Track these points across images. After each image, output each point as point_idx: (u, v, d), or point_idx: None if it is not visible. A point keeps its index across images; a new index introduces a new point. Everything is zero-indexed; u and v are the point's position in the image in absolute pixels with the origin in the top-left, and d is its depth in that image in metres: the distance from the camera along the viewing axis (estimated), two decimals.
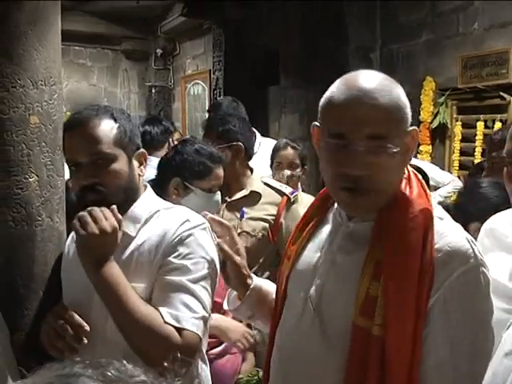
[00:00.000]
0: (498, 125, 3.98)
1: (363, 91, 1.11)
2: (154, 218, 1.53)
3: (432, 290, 1.08)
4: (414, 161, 4.27)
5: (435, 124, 4.55)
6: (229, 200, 2.44)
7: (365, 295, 1.12)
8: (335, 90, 1.16)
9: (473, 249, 1.10)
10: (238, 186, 2.46)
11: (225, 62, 6.12)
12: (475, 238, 1.31)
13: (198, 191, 2.06)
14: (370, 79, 1.14)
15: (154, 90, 8.24)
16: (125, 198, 1.51)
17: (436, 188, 4.22)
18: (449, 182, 4.19)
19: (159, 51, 8.03)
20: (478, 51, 4.18)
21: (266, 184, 2.48)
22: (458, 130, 4.41)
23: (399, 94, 1.15)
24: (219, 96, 6.16)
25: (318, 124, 1.21)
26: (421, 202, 1.17)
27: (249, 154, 2.54)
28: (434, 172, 4.26)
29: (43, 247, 1.69)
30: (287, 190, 2.49)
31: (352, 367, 1.12)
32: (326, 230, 1.29)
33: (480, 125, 4.17)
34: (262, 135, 3.73)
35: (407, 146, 1.16)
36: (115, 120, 1.52)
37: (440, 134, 4.62)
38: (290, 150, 3.08)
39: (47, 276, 1.71)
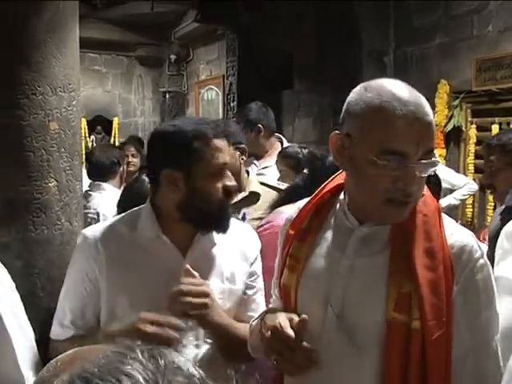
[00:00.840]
0: None
1: (418, 107, 1.12)
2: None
3: (454, 283, 1.17)
4: None
5: (449, 127, 4.54)
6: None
7: (397, 293, 1.16)
8: (384, 102, 1.13)
9: (476, 243, 1.21)
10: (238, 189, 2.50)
11: (238, 67, 6.14)
12: None
13: None
14: (414, 93, 1.15)
15: (167, 96, 8.30)
16: None
17: (451, 191, 4.20)
18: (464, 185, 4.17)
19: (173, 57, 8.09)
20: (492, 54, 4.16)
21: (262, 184, 2.50)
22: (472, 132, 4.39)
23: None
24: (233, 101, 6.18)
25: (349, 133, 1.18)
26: (432, 201, 1.25)
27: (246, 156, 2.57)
28: (448, 175, 4.24)
29: (62, 251, 1.72)
30: (284, 187, 2.52)
31: (391, 361, 1.16)
32: (330, 236, 1.29)
33: (495, 128, 4.15)
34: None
35: None
36: None
37: (454, 137, 4.60)
38: (278, 160, 3.15)
39: None
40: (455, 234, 1.21)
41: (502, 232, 1.43)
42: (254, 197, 2.42)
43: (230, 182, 1.49)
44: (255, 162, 3.38)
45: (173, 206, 1.47)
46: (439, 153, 4.66)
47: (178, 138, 1.43)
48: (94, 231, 1.54)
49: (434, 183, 2.21)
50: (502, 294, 1.32)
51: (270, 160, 3.37)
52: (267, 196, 2.47)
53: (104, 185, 3.44)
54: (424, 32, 4.74)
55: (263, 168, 3.37)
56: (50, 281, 1.71)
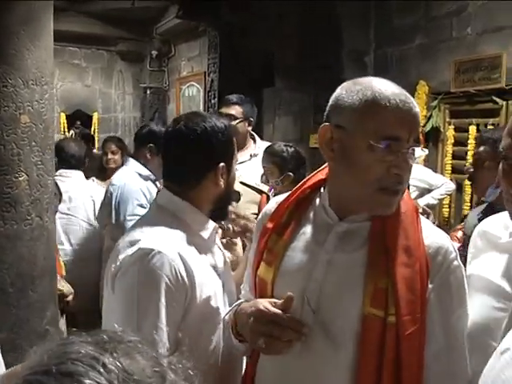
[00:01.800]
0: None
1: (406, 98, 1.20)
2: None
3: (428, 281, 1.21)
4: None
5: (428, 127, 4.57)
6: None
7: (374, 289, 1.19)
8: (376, 93, 1.19)
9: (451, 244, 1.27)
10: None
11: (220, 64, 6.12)
12: None
13: None
14: (400, 88, 1.23)
15: (148, 92, 8.24)
16: None
17: (429, 190, 4.23)
18: (441, 185, 4.21)
19: (154, 53, 8.03)
20: (471, 56, 4.19)
21: (243, 184, 2.50)
22: (450, 133, 4.43)
23: None
24: (214, 98, 6.16)
25: (341, 125, 1.22)
26: (409, 200, 1.29)
27: None
28: (426, 175, 4.28)
29: (32, 246, 1.70)
30: (264, 187, 2.51)
31: (366, 356, 1.18)
32: (309, 231, 1.31)
33: (472, 129, 4.19)
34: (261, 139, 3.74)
35: None
36: None
37: (433, 138, 4.64)
38: (264, 157, 3.14)
39: (36, 275, 1.72)
40: (432, 235, 1.26)
41: (475, 231, 1.44)
42: (235, 196, 2.43)
43: None
44: None
45: (211, 200, 1.54)
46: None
47: (227, 134, 1.52)
48: (161, 244, 1.40)
49: None
50: (474, 292, 1.34)
51: (244, 156, 3.38)
52: (248, 197, 2.47)
53: (72, 171, 3.71)
54: (404, 33, 4.77)
55: (239, 163, 3.38)
56: (20, 276, 1.68)
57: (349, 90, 1.22)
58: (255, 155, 3.42)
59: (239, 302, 1.44)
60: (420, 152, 3.29)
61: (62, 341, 0.58)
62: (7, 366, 1.33)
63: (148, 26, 7.76)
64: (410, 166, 1.21)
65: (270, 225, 1.36)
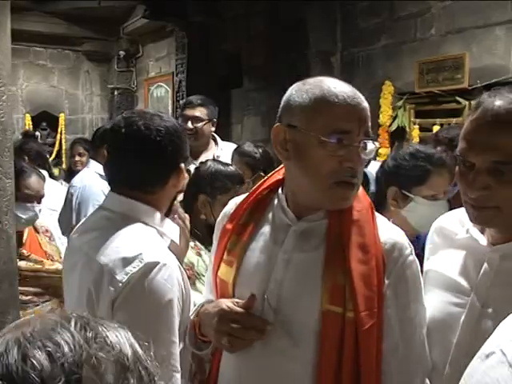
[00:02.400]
0: None
1: (354, 94, 1.24)
2: None
3: (385, 277, 1.23)
4: (373, 163, 4.35)
5: (394, 127, 4.63)
6: None
7: (331, 286, 1.21)
8: (325, 90, 1.23)
9: (407, 240, 1.29)
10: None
11: (188, 65, 6.10)
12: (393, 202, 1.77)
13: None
14: (347, 85, 1.26)
15: (116, 92, 8.16)
16: None
17: None
18: None
19: (122, 53, 7.95)
20: (434, 56, 4.26)
21: None
22: (415, 133, 4.49)
23: None
24: (182, 99, 6.13)
25: (293, 124, 1.25)
26: (365, 198, 1.31)
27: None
28: None
29: None
30: None
31: (326, 351, 1.20)
32: (268, 231, 1.32)
33: (436, 128, 4.24)
34: (224, 139, 3.72)
35: None
36: None
37: (398, 137, 4.70)
38: (235, 158, 3.13)
39: None
40: (387, 231, 1.29)
41: (432, 227, 1.46)
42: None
43: None
44: (194, 162, 3.37)
45: (169, 201, 1.56)
46: (384, 152, 4.75)
47: (182, 132, 1.53)
48: (163, 255, 1.37)
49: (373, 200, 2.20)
50: (432, 287, 1.36)
51: (208, 157, 3.37)
52: None
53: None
54: (369, 34, 4.82)
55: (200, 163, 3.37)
56: None
57: (299, 90, 1.26)
58: (218, 157, 3.41)
59: (202, 302, 1.45)
60: (371, 146, 3.29)
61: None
62: None
63: (115, 25, 7.69)
64: (362, 159, 1.23)
65: (229, 226, 1.37)
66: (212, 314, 1.28)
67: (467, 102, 3.98)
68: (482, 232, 1.30)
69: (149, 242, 1.38)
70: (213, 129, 3.41)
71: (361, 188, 1.30)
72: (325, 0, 4.96)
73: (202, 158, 3.41)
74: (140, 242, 1.36)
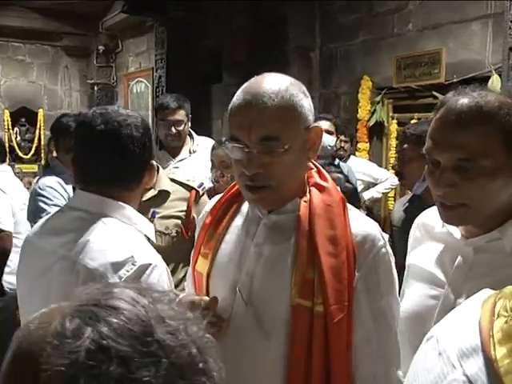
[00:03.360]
0: None
1: (253, 96, 1.20)
2: None
3: (356, 269, 1.23)
4: (352, 158, 4.39)
5: (372, 122, 4.68)
6: None
7: (301, 279, 1.22)
8: (235, 96, 1.25)
9: (380, 232, 1.29)
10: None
11: (168, 60, 6.07)
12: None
13: None
14: (263, 83, 1.22)
15: (96, 88, 8.09)
16: None
17: (374, 184, 4.34)
18: (386, 179, 4.32)
19: (101, 48, 7.88)
20: (411, 52, 4.31)
21: (172, 180, 2.43)
22: (393, 128, 4.55)
23: (293, 94, 1.22)
24: (162, 94, 6.11)
25: None
26: (336, 192, 1.31)
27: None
28: (371, 169, 4.38)
29: None
30: (195, 183, 2.45)
31: (296, 344, 1.21)
32: (240, 224, 1.35)
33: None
34: (202, 134, 3.71)
35: (308, 142, 1.26)
36: None
37: (377, 132, 4.75)
38: (220, 150, 3.10)
39: None
40: (359, 223, 1.29)
41: (415, 223, 1.49)
42: (163, 195, 2.35)
43: None
44: (172, 160, 3.37)
45: (140, 198, 1.57)
46: (363, 147, 4.80)
47: (149, 129, 1.53)
48: (153, 256, 1.37)
49: (351, 194, 2.21)
50: (413, 281, 1.39)
51: (184, 153, 3.40)
52: (177, 194, 2.39)
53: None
54: (348, 29, 4.86)
55: (179, 161, 3.37)
56: None
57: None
58: (194, 151, 3.41)
59: (179, 297, 1.47)
60: (329, 140, 3.33)
61: (106, 283, 0.69)
62: None
63: (94, 20, 7.62)
64: (260, 162, 1.20)
65: (207, 220, 1.40)
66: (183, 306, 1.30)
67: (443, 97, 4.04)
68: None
69: (135, 243, 1.37)
70: (189, 124, 3.41)
71: (331, 182, 1.32)
72: None
73: (183, 152, 3.41)
74: (127, 244, 1.35)
